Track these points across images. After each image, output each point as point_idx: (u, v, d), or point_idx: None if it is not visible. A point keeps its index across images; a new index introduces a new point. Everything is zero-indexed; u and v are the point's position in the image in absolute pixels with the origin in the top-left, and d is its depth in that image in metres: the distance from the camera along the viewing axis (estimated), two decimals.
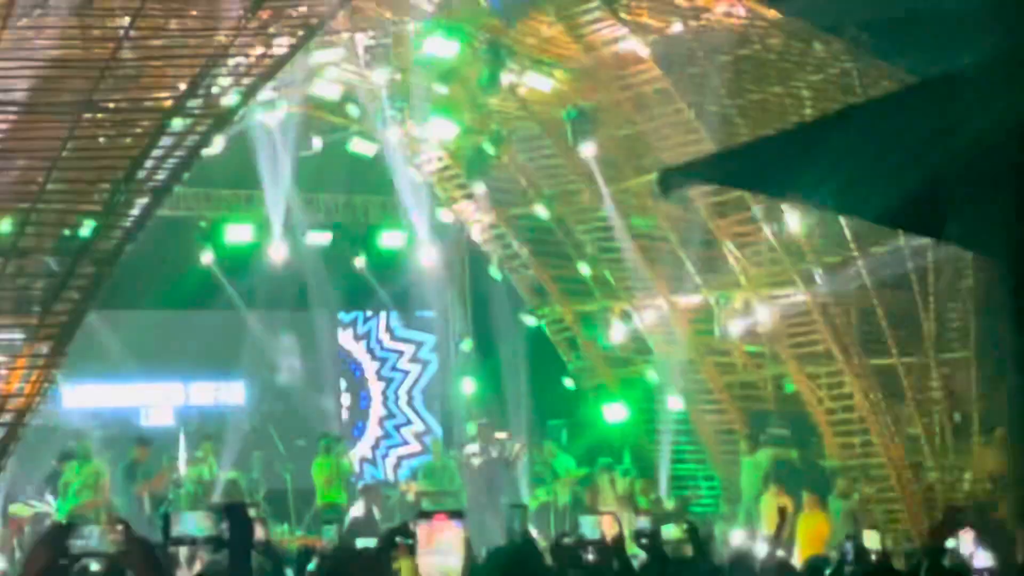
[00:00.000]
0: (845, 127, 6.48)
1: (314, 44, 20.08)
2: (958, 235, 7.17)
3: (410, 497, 25.41)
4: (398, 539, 6.22)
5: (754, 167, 6.40)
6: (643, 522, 9.38)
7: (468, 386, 28.58)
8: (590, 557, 8.44)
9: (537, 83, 22.16)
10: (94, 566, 6.31)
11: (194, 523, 5.98)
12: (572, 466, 25.57)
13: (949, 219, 6.38)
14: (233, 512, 5.92)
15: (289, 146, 24.10)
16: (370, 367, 29.79)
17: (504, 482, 24.50)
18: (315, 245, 26.16)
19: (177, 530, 5.91)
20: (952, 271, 23.13)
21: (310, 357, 28.18)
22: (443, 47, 21.45)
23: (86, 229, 18.34)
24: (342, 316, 29.24)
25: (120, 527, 5.26)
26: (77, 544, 5.05)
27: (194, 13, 18.38)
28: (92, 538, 5.11)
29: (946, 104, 6.06)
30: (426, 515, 5.52)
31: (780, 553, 11.91)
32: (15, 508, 21.46)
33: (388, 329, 29.84)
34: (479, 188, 25.44)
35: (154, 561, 5.29)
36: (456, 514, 5.35)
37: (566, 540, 9.05)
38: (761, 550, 14.74)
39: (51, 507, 21.68)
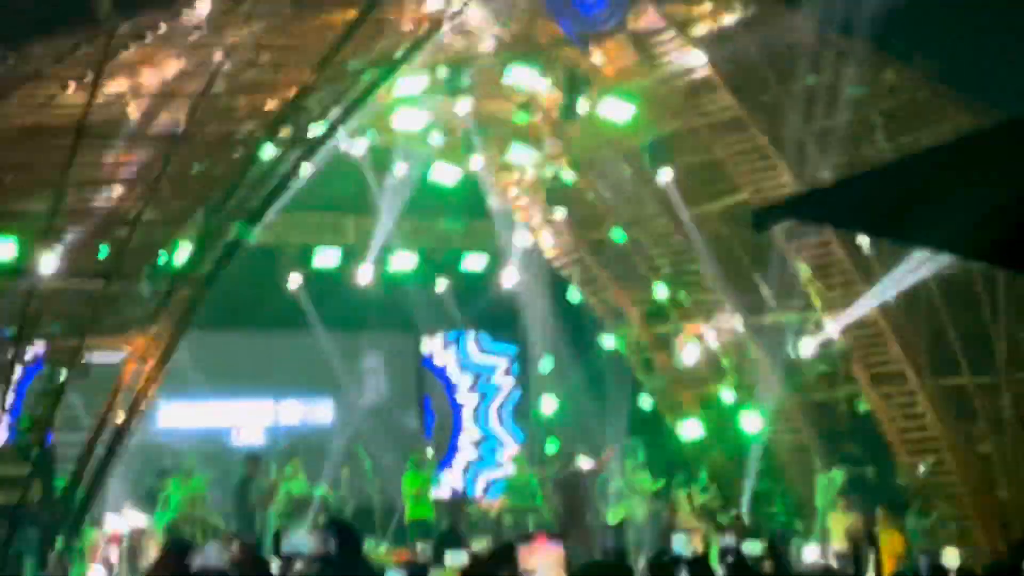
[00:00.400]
0: (937, 164, 6.35)
1: (398, 75, 20.20)
2: None
3: (492, 513, 25.47)
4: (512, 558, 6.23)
5: (846, 206, 6.32)
6: (728, 540, 9.38)
7: (548, 405, 28.66)
8: (684, 574, 8.46)
9: (614, 112, 22.16)
10: None
11: (303, 540, 6.04)
12: (649, 482, 25.50)
13: None
14: (341, 530, 6.00)
15: (373, 173, 24.32)
16: (462, 381, 29.80)
17: (588, 498, 24.45)
18: (399, 269, 26.26)
19: (288, 546, 5.98)
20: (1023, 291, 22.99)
21: (395, 377, 28.36)
22: (523, 77, 21.56)
23: (182, 254, 18.56)
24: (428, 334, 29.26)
25: (236, 545, 5.34)
26: (197, 561, 5.14)
27: (284, 48, 18.58)
28: (210, 556, 5.20)
29: None
30: (527, 537, 5.55)
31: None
32: (114, 522, 21.63)
33: (476, 341, 29.89)
34: (558, 213, 25.50)
35: None
36: (555, 536, 5.38)
37: (665, 558, 9.08)
38: (840, 566, 14.71)
39: (149, 521, 21.81)
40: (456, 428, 29.54)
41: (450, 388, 29.63)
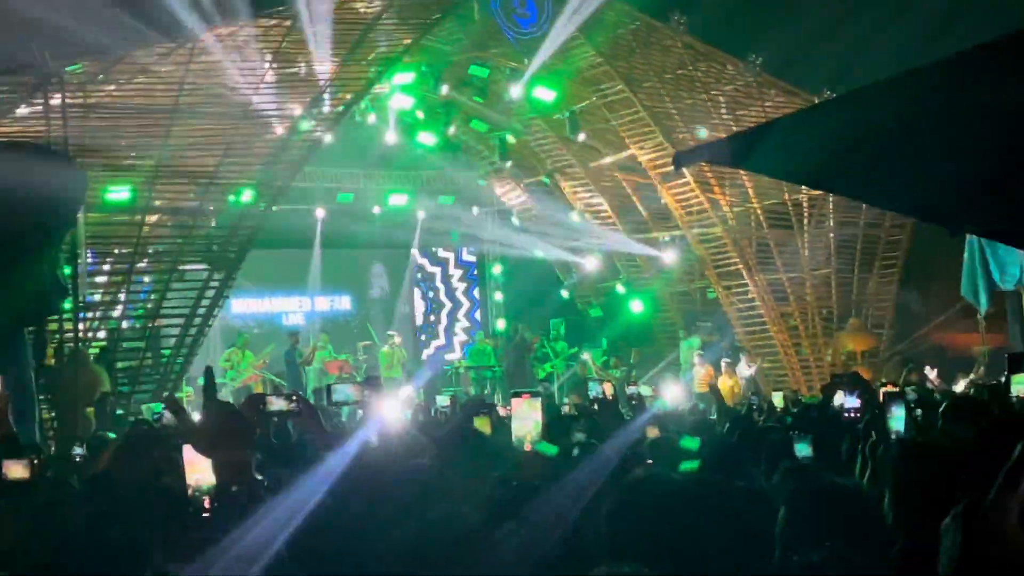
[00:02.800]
0: (822, 119, 6.06)
1: (394, 70, 19.83)
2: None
3: (461, 370, 25.43)
4: (481, 412, 6.15)
5: (745, 150, 6.14)
6: (633, 388, 9.27)
7: (499, 296, 28.60)
8: (596, 408, 8.36)
9: (544, 95, 21.83)
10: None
11: (348, 391, 5.91)
12: (566, 348, 25.55)
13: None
14: (371, 383, 5.88)
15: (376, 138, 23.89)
16: (445, 281, 29.43)
17: (526, 360, 24.53)
18: (396, 204, 25.87)
19: (336, 396, 5.85)
20: (818, 216, 23.13)
21: (395, 279, 28.14)
22: (479, 71, 21.23)
23: (246, 195, 18.27)
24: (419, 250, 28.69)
25: (295, 396, 5.18)
26: (270, 408, 4.98)
27: (315, 53, 18.14)
28: (278, 404, 5.03)
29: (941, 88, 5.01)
30: (516, 394, 5.42)
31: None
32: (200, 383, 21.27)
33: (451, 254, 29.46)
34: (505, 164, 25.23)
35: (319, 419, 5.24)
36: (535, 393, 5.25)
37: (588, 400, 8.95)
38: (701, 406, 14.68)
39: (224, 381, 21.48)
40: (443, 313, 29.31)
41: (435, 287, 29.33)
